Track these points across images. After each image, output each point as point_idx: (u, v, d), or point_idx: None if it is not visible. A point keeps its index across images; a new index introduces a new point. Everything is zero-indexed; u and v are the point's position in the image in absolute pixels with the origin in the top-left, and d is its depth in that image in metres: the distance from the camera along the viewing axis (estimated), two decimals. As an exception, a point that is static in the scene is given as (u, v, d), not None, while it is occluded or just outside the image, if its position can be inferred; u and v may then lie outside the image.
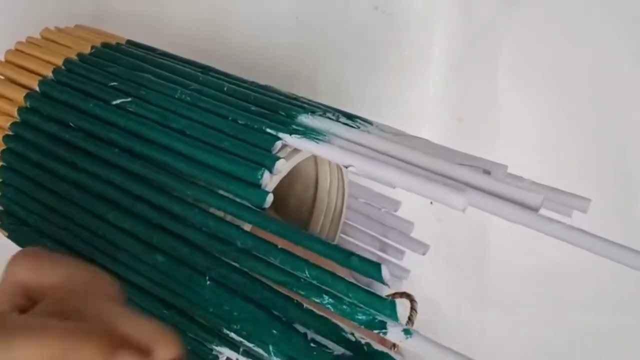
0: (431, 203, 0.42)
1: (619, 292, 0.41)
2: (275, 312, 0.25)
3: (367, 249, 0.40)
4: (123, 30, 0.39)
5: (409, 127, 0.30)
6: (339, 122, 0.29)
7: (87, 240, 0.30)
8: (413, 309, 0.33)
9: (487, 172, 0.26)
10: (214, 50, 0.40)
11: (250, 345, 0.26)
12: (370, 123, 0.30)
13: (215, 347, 0.27)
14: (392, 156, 0.26)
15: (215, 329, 0.27)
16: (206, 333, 0.27)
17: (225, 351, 0.27)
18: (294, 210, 0.39)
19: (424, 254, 0.38)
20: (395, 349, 0.30)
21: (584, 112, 0.46)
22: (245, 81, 0.33)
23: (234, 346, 0.27)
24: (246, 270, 0.25)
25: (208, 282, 0.26)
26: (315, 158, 0.37)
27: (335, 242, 0.38)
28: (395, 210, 0.39)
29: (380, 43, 0.47)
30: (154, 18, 0.47)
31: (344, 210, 0.38)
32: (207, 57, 0.37)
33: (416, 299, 0.34)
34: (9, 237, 0.36)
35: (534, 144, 0.47)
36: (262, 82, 0.33)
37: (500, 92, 0.46)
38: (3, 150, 0.33)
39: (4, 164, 0.33)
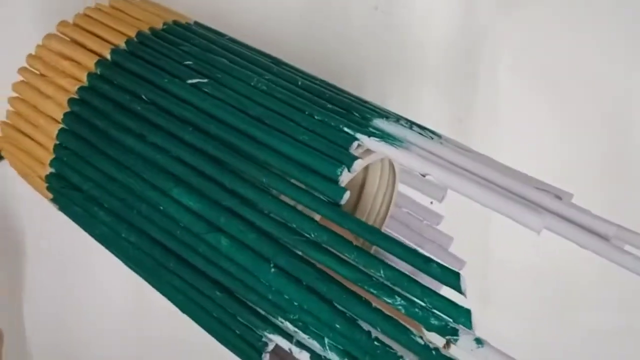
0: (431, 202, 0.43)
1: (621, 291, 0.42)
2: (340, 307, 0.25)
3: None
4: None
5: None
6: (413, 130, 0.29)
7: (145, 213, 0.31)
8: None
9: (558, 198, 0.27)
10: None
11: (305, 336, 0.26)
12: (440, 136, 0.31)
13: (267, 334, 0.28)
14: (467, 170, 0.27)
15: (270, 317, 0.28)
16: (259, 319, 0.28)
17: (278, 339, 0.27)
18: None
19: (460, 269, 0.38)
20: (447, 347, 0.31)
21: (584, 112, 0.46)
22: (316, 78, 0.34)
23: (288, 336, 0.27)
24: (314, 262, 0.26)
25: (272, 270, 0.27)
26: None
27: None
28: (437, 224, 0.40)
29: (380, 43, 0.47)
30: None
31: (387, 217, 0.39)
32: None
33: None
34: (53, 200, 0.36)
35: (534, 144, 0.47)
36: None
37: (501, 92, 0.47)
38: (66, 113, 0.33)
39: (64, 126, 0.33)
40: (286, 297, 0.27)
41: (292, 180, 0.27)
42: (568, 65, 0.46)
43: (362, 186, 0.39)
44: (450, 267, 0.23)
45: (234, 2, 0.48)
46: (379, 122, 0.29)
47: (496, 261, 0.47)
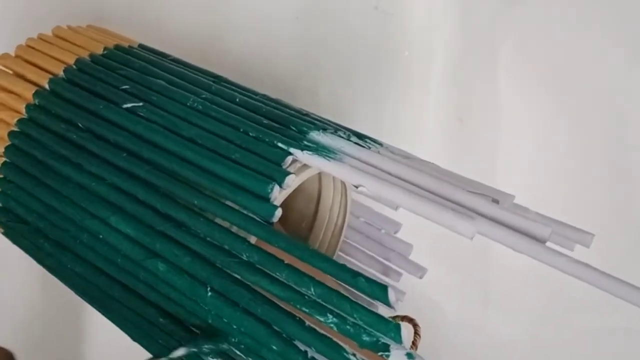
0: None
1: None
2: (276, 328, 0.25)
3: (365, 269, 0.40)
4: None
5: (409, 127, 0.29)
6: (350, 141, 0.29)
7: (87, 243, 0.30)
8: (417, 333, 0.32)
9: (495, 201, 0.26)
10: (212, 48, 0.40)
11: (248, 359, 0.26)
12: (380, 144, 0.30)
13: (211, 359, 0.27)
14: (402, 178, 0.26)
15: (212, 341, 0.27)
16: (202, 344, 0.27)
17: (222, 364, 0.27)
18: (294, 224, 0.39)
19: (421, 277, 0.38)
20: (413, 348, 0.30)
21: (585, 112, 0.45)
22: (257, 93, 0.33)
23: (230, 359, 0.27)
24: (249, 283, 0.25)
25: (209, 293, 0.26)
26: (319, 174, 0.38)
27: (337, 249, 0.38)
28: (396, 232, 0.39)
29: (380, 43, 0.47)
30: (152, 21, 0.47)
31: (345, 228, 0.38)
32: (206, 55, 0.36)
33: (419, 301, 0.33)
34: (5, 233, 0.35)
35: (534, 144, 0.46)
36: (262, 81, 0.33)
37: (501, 92, 0.46)
38: (7, 147, 0.33)
39: (7, 159, 0.33)
40: (225, 320, 0.26)
41: (225, 201, 0.27)
42: (568, 64, 0.46)
43: (319, 198, 0.38)
44: (377, 280, 0.23)
45: (231, 2, 0.48)
46: (315, 135, 0.29)
47: (497, 264, 0.46)
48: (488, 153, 0.26)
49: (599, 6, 0.44)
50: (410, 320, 0.33)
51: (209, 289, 0.26)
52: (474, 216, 0.24)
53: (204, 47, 0.45)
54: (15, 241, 0.35)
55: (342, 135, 0.29)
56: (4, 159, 0.33)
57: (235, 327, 0.25)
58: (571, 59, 0.45)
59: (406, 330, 0.22)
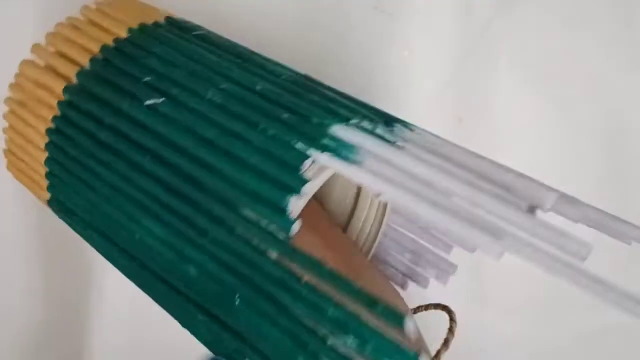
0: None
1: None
2: (302, 340, 0.24)
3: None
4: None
5: None
6: (375, 133, 0.27)
7: (126, 240, 0.31)
8: (452, 320, 0.32)
9: (532, 209, 0.23)
10: None
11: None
12: (412, 129, 0.28)
13: None
14: (427, 183, 0.24)
15: (248, 343, 0.27)
16: (240, 344, 0.28)
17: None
18: (334, 212, 0.38)
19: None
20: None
21: (585, 111, 0.45)
22: (282, 73, 0.31)
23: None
24: (276, 298, 0.25)
25: (237, 302, 0.26)
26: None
27: (372, 254, 0.37)
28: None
29: (380, 43, 0.46)
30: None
31: (381, 232, 0.37)
32: None
33: (418, 301, 0.33)
34: (63, 220, 0.37)
35: (534, 144, 0.46)
36: None
37: (501, 92, 0.46)
38: (47, 144, 0.34)
39: (50, 156, 0.34)
40: (254, 328, 0.26)
41: (245, 210, 0.26)
42: (568, 64, 0.45)
43: (357, 197, 0.37)
44: (395, 308, 0.21)
45: (229, 2, 0.47)
46: (337, 130, 0.27)
47: (497, 263, 0.45)
48: (488, 153, 0.25)
49: (599, 6, 0.43)
50: (444, 308, 0.32)
51: (237, 297, 0.26)
52: (502, 234, 0.22)
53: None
54: (71, 227, 0.36)
55: (367, 126, 0.27)
56: (47, 153, 0.34)
57: (263, 336, 0.26)
58: (571, 59, 0.45)
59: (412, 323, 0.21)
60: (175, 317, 0.32)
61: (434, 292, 0.37)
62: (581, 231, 0.23)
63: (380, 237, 0.37)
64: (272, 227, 0.25)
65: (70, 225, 0.36)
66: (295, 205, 0.25)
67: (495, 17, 0.45)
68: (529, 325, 0.48)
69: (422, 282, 0.37)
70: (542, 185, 0.24)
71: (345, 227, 0.37)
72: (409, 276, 0.38)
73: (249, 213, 0.26)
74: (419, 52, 0.47)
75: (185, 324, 0.31)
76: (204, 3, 0.45)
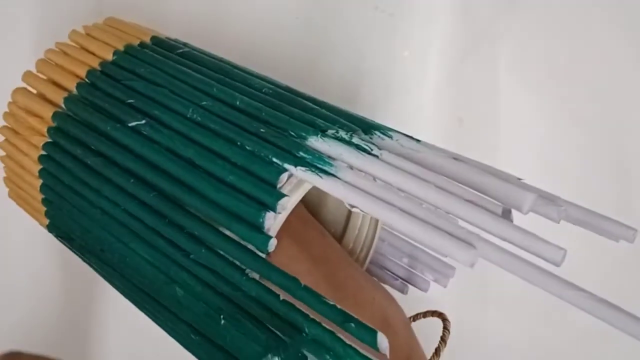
0: None
1: (620, 292, 0.38)
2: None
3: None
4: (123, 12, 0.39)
5: (409, 127, 0.29)
6: (352, 143, 0.26)
7: (118, 263, 0.31)
8: (446, 328, 0.31)
9: (507, 212, 0.23)
10: (212, 46, 0.39)
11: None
12: (390, 136, 0.27)
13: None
14: (403, 191, 0.24)
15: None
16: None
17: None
18: (330, 221, 0.38)
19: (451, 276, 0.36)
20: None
21: (585, 111, 0.45)
22: (262, 86, 0.31)
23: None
24: (256, 316, 0.25)
25: (222, 322, 0.26)
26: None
27: (368, 260, 0.36)
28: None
29: (380, 43, 0.46)
30: (155, 12, 0.46)
31: (375, 241, 0.36)
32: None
33: (418, 300, 0.33)
34: (66, 246, 0.37)
35: (534, 144, 0.46)
36: None
37: (501, 92, 0.45)
38: (40, 170, 0.34)
39: (43, 182, 0.34)
40: (240, 346, 0.26)
41: (223, 230, 0.26)
42: (568, 64, 0.45)
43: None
44: (367, 325, 0.21)
45: (228, 2, 0.47)
46: (313, 141, 0.26)
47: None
48: (488, 153, 0.24)
49: (600, 6, 0.43)
50: (440, 315, 0.31)
51: (222, 317, 0.26)
52: (474, 241, 0.21)
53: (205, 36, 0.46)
54: (71, 250, 0.37)
55: (343, 135, 0.27)
56: (41, 180, 0.35)
57: (248, 355, 0.25)
58: (571, 58, 0.44)
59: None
60: (172, 337, 0.32)
61: (435, 292, 0.37)
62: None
63: (376, 243, 0.36)
64: (250, 245, 0.25)
65: (70, 249, 0.37)
66: (272, 221, 0.25)
67: (495, 17, 0.45)
68: (529, 325, 0.47)
69: (422, 286, 0.37)
70: (521, 185, 0.23)
71: (341, 235, 0.37)
72: (408, 280, 0.37)
73: (227, 232, 0.26)
74: (419, 52, 0.47)
75: (182, 343, 0.31)
76: (204, 3, 0.46)
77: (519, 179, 0.25)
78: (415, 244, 0.37)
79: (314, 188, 0.26)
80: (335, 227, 0.37)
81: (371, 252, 0.36)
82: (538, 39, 0.45)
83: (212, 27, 0.47)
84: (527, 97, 0.45)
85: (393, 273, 0.37)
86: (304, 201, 0.38)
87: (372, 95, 0.47)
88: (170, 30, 0.39)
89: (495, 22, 0.45)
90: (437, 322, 0.33)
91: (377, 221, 0.36)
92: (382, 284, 0.37)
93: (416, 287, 0.37)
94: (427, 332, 0.32)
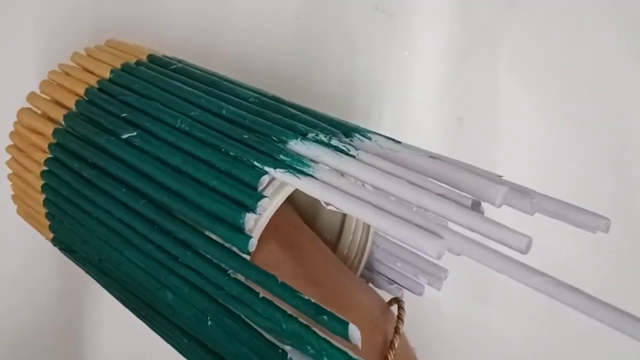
0: None
1: (619, 292, 0.38)
2: (267, 355, 0.25)
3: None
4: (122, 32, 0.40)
5: (409, 127, 0.29)
6: (330, 145, 0.27)
7: (115, 272, 0.32)
8: (401, 307, 0.32)
9: (476, 203, 0.23)
10: (212, 46, 0.40)
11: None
12: (369, 138, 0.28)
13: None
14: (376, 188, 0.24)
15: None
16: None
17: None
18: (325, 228, 0.38)
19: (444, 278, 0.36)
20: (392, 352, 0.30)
21: (585, 111, 0.45)
22: (249, 96, 0.32)
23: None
24: (239, 315, 0.25)
25: (209, 323, 0.27)
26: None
27: (362, 264, 0.37)
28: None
29: (380, 43, 0.46)
30: (152, 22, 0.47)
31: (369, 245, 0.37)
32: (206, 55, 0.36)
33: (417, 300, 0.33)
34: (67, 257, 0.39)
35: (534, 144, 0.46)
36: (260, 81, 0.33)
37: (501, 92, 0.45)
38: (42, 185, 0.35)
39: (46, 197, 0.36)
40: (227, 348, 0.26)
41: (207, 232, 0.27)
42: (568, 65, 0.45)
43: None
44: (339, 317, 0.21)
45: (228, 2, 0.48)
46: (293, 145, 0.27)
47: None
48: (488, 153, 0.24)
49: (600, 6, 0.43)
50: (396, 300, 0.32)
51: (208, 318, 0.27)
52: (441, 232, 0.21)
53: (205, 38, 0.46)
54: (75, 263, 0.38)
55: (322, 138, 0.27)
56: (44, 195, 0.36)
57: (233, 355, 0.26)
58: (571, 58, 0.44)
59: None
60: (169, 343, 0.32)
61: (435, 292, 0.37)
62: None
63: (370, 248, 0.37)
64: (232, 246, 0.26)
65: (73, 261, 0.38)
66: (252, 222, 0.25)
67: (495, 17, 0.45)
68: (529, 325, 0.47)
69: (417, 290, 0.37)
70: (493, 179, 0.24)
71: (336, 242, 0.38)
72: (403, 285, 0.37)
73: (211, 234, 0.26)
74: (419, 52, 0.47)
75: (177, 348, 0.32)
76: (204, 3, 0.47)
77: (500, 176, 0.25)
78: (409, 248, 0.37)
79: (309, 197, 0.26)
80: (331, 234, 0.38)
81: (365, 257, 0.37)
82: (538, 39, 0.45)
83: (213, 27, 0.47)
84: (527, 97, 0.45)
85: (388, 277, 0.38)
86: (300, 211, 0.39)
87: (372, 95, 0.48)
88: (169, 47, 0.40)
89: (495, 22, 0.45)
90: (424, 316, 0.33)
91: (369, 227, 0.36)
92: (378, 289, 0.37)
93: (411, 291, 0.37)
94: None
